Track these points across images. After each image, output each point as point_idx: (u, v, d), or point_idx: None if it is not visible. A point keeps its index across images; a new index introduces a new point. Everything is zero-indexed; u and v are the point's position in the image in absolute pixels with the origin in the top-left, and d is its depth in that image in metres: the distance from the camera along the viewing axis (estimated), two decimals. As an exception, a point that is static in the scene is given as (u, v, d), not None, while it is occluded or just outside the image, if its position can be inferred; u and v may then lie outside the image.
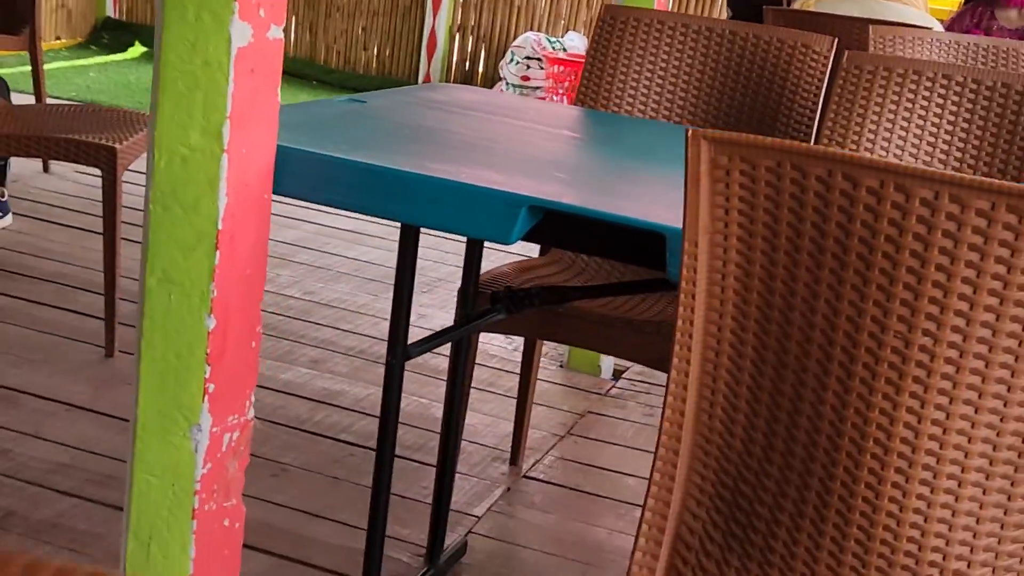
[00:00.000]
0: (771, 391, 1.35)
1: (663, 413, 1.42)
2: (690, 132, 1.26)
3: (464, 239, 2.29)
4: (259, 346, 1.71)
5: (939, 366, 1.23)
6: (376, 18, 7.70)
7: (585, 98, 2.61)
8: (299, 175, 1.65)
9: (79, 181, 4.67)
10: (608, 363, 3.48)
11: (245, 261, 1.61)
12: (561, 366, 3.49)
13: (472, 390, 3.21)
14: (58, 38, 7.69)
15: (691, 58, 2.62)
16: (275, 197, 1.66)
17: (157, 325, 1.60)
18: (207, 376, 1.60)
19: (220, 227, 1.56)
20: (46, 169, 4.81)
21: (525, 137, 2.05)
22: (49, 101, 4.41)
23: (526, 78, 7.07)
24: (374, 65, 7.73)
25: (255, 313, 1.67)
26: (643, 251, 1.57)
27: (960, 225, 1.18)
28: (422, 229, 1.83)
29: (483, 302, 2.15)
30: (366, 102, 2.09)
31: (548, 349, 3.55)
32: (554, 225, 1.59)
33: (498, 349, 3.52)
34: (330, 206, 1.67)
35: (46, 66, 6.07)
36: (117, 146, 2.96)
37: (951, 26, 4.49)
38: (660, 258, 1.52)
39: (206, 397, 1.60)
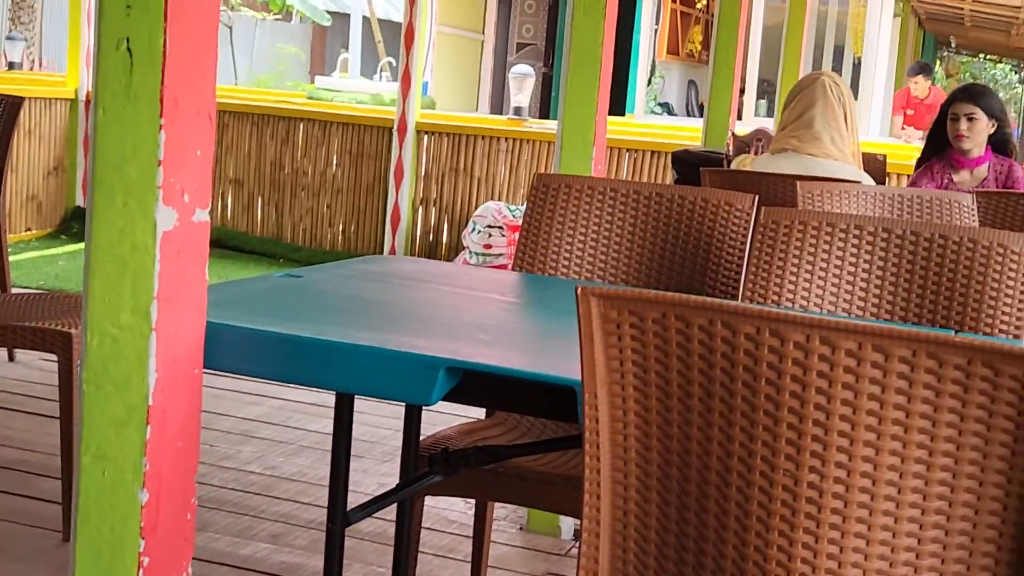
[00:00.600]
0: (677, 534, 1.40)
1: (578, 563, 1.47)
2: (579, 290, 1.35)
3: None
4: (195, 518, 1.75)
5: (828, 501, 1.29)
6: (340, 195, 7.89)
7: (522, 263, 2.71)
8: (229, 349, 1.72)
9: (43, 368, 4.73)
10: (568, 524, 3.50)
11: (177, 434, 1.67)
12: (521, 528, 3.51)
13: (431, 556, 3.24)
14: (28, 229, 7.83)
15: (621, 221, 2.73)
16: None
17: (92, 501, 1.64)
18: (141, 549, 1.63)
19: (151, 403, 1.62)
20: (11, 358, 4.87)
21: (455, 303, 2.13)
22: (14, 291, 4.50)
23: (488, 246, 7.23)
24: (340, 241, 7.89)
25: (189, 485, 1.72)
26: (561, 406, 1.63)
27: (832, 365, 1.25)
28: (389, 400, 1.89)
29: (423, 465, 2.20)
30: (303, 276, 2.18)
31: (508, 512, 3.58)
32: (474, 384, 1.65)
33: (458, 515, 3.54)
34: (260, 377, 1.74)
35: (15, 257, 6.17)
36: (72, 331, 3.03)
37: (912, 186, 4.63)
38: (576, 412, 1.59)
39: (141, 571, 1.64)
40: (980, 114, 4.35)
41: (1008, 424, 1.22)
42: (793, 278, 2.39)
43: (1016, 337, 2.27)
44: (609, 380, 1.38)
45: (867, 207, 3.22)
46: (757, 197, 2.67)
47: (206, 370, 1.73)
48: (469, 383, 1.64)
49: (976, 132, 4.37)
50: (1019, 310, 2.28)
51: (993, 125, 4.40)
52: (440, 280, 2.36)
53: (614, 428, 1.41)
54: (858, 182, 3.77)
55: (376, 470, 3.81)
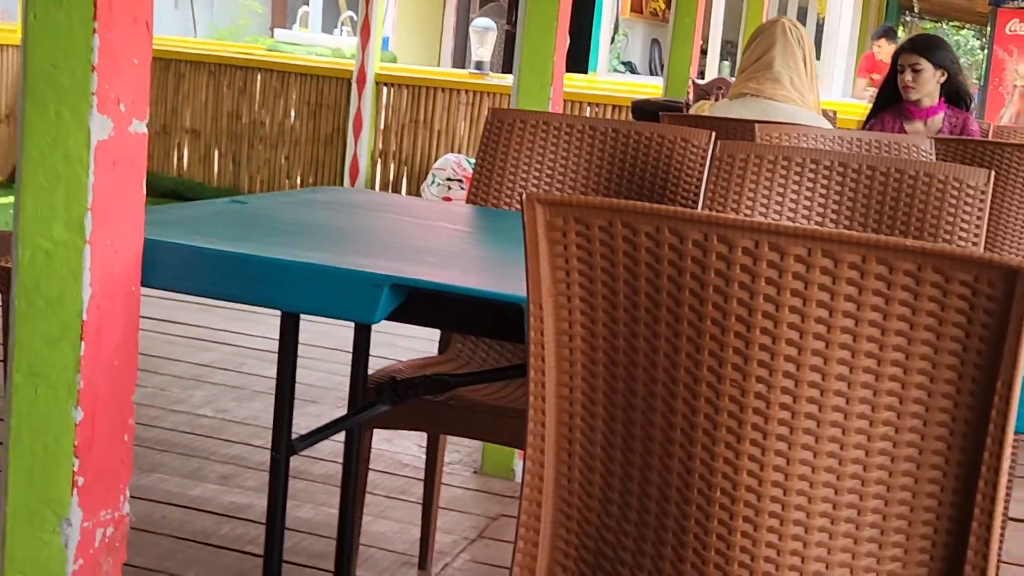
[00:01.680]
0: (623, 448, 1.37)
1: (523, 479, 1.44)
2: (524, 196, 1.31)
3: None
4: (132, 439, 1.71)
5: (775, 412, 1.26)
6: (299, 147, 7.81)
7: (475, 197, 2.67)
8: (169, 267, 1.68)
9: (-7, 312, 4.65)
10: (522, 466, 3.47)
11: (113, 353, 1.62)
12: (474, 472, 3.48)
13: (383, 498, 3.21)
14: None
15: (577, 155, 2.69)
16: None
17: (24, 419, 1.60)
18: (76, 469, 1.59)
19: (85, 318, 1.57)
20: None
21: (403, 229, 2.09)
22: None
23: (447, 199, 7.17)
24: (307, 187, 7.82)
25: (127, 405, 1.67)
26: (509, 326, 1.60)
27: (781, 272, 1.22)
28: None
29: (372, 397, 2.16)
30: (248, 203, 2.13)
31: (462, 456, 3.55)
32: (420, 304, 1.62)
33: (411, 459, 3.52)
34: (200, 295, 1.70)
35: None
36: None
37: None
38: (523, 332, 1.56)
39: (75, 491, 1.60)
40: (925, 64, 4.37)
41: (958, 331, 1.20)
42: (749, 212, 2.36)
43: (970, 271, 2.25)
44: (555, 291, 1.35)
45: (828, 148, 3.20)
46: (714, 133, 2.63)
47: (152, 296, 1.69)
48: (415, 302, 1.60)
49: (922, 82, 4.39)
50: (974, 244, 2.26)
51: (942, 75, 4.41)
52: (389, 209, 2.32)
53: (559, 341, 1.37)
54: (817, 126, 3.75)
55: (329, 415, 3.76)
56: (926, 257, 1.18)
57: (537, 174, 2.70)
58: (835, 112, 5.18)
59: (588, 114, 7.28)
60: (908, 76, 4.40)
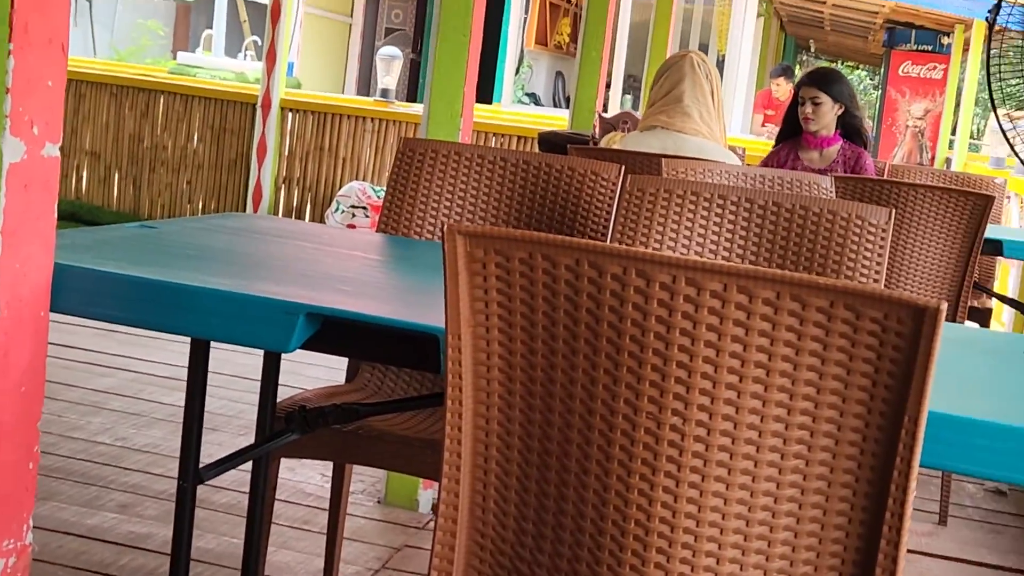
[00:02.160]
0: (539, 480, 1.38)
1: (437, 510, 1.44)
2: (445, 227, 1.32)
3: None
4: (37, 467, 1.67)
5: (689, 444, 1.28)
6: (201, 171, 7.72)
7: (386, 226, 2.67)
8: (79, 292, 1.65)
9: None
10: (426, 498, 3.47)
11: (20, 378, 1.59)
12: (378, 502, 3.47)
13: (286, 528, 3.18)
14: None
15: (487, 186, 2.71)
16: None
17: (-75, 446, 1.56)
18: (-22, 498, 1.55)
19: (-8, 343, 1.54)
20: None
21: (315, 257, 2.09)
22: None
23: (352, 226, 7.14)
24: (212, 213, 7.72)
25: (32, 432, 1.64)
26: (426, 357, 1.60)
27: (697, 306, 1.25)
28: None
29: (280, 426, 2.14)
30: (158, 227, 2.10)
31: (366, 486, 3.53)
32: (335, 333, 1.61)
33: (314, 488, 3.49)
34: (110, 321, 1.67)
35: None
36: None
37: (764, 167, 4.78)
38: (439, 362, 1.56)
39: (-23, 520, 1.56)
40: (824, 98, 4.55)
41: (867, 367, 1.23)
42: (658, 246, 2.40)
43: (871, 307, 2.30)
44: (473, 322, 1.36)
45: (731, 184, 3.26)
46: (623, 167, 2.67)
47: (59, 322, 1.66)
48: (329, 331, 1.60)
49: (821, 114, 4.55)
50: (875, 281, 2.32)
51: (840, 108, 4.57)
52: (299, 237, 2.31)
53: (477, 372, 1.38)
54: (724, 162, 3.82)
55: (232, 443, 3.72)
56: (838, 294, 1.22)
57: (448, 204, 2.70)
58: (744, 149, 5.28)
59: (494, 145, 7.31)
60: (808, 108, 4.56)
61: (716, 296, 1.24)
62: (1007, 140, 3.11)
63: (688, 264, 1.24)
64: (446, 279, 1.34)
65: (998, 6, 2.96)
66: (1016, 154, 3.04)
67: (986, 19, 3.50)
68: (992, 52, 2.99)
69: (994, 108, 3.00)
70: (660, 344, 1.27)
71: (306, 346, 1.61)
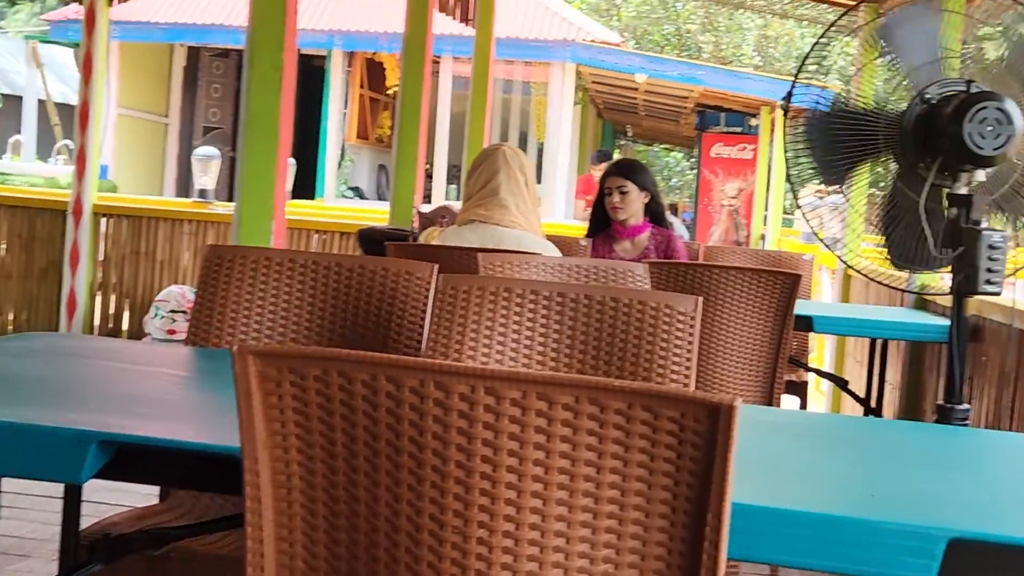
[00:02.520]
0: (347, 603, 1.33)
1: (244, 641, 1.37)
2: (235, 348, 1.27)
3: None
4: None
5: (497, 556, 1.25)
6: (11, 281, 7.44)
7: (196, 337, 2.59)
8: None
9: None
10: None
11: None
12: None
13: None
14: None
15: (300, 292, 2.66)
16: None
17: None
18: None
19: None
20: None
21: (115, 377, 2.00)
22: None
23: (172, 331, 6.97)
24: (11, 330, 7.42)
25: None
26: (227, 478, 1.54)
27: (498, 415, 1.23)
28: None
29: (85, 555, 2.04)
30: (-56, 355, 1.99)
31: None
32: (133, 460, 1.54)
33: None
34: None
35: None
36: None
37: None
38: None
39: None
40: (631, 186, 4.68)
41: (669, 466, 1.23)
42: (473, 343, 2.38)
43: (685, 394, 2.33)
44: (271, 443, 1.31)
45: (548, 277, 3.28)
46: (437, 266, 2.66)
47: None
48: (127, 458, 1.53)
49: (628, 203, 4.67)
50: (687, 370, 2.35)
51: (646, 196, 4.70)
52: (100, 356, 2.22)
53: (277, 494, 1.33)
54: (539, 253, 3.86)
55: (43, 570, 3.53)
56: (636, 396, 1.21)
57: (260, 310, 2.65)
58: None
59: (315, 242, 7.26)
60: (616, 197, 4.67)
61: (516, 404, 1.23)
62: (805, 219, 3.22)
63: (486, 374, 1.22)
64: (239, 401, 1.30)
65: (790, 93, 3.08)
66: (814, 232, 3.15)
67: (781, 105, 3.63)
68: (788, 136, 3.10)
69: (793, 189, 3.11)
70: (462, 456, 1.24)
71: (102, 474, 1.53)
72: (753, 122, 14.33)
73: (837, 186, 3.19)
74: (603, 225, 4.82)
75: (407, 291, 2.65)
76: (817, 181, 3.26)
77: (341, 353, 1.27)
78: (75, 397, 1.84)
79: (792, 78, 3.11)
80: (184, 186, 15.68)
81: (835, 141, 3.04)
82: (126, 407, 1.77)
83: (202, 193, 8.36)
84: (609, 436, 1.23)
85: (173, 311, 7.03)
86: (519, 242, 3.92)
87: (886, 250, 3.13)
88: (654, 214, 4.77)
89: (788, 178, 3.12)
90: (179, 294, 7.10)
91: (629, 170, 4.76)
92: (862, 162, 3.10)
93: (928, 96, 2.98)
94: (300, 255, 2.71)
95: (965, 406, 2.95)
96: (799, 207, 3.11)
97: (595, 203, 4.88)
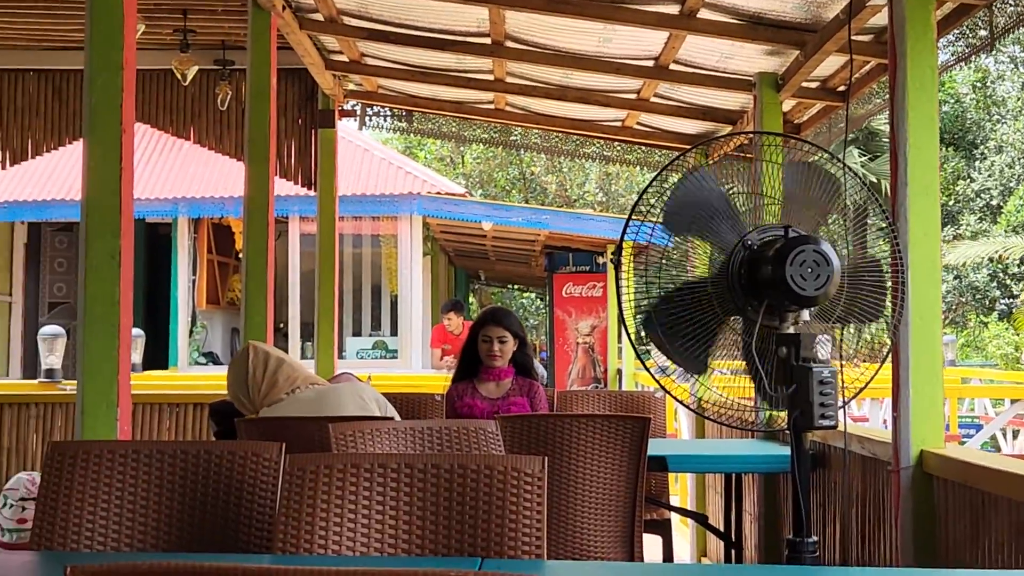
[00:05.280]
0: None
1: None
2: (68, 569, 1.27)
3: None
4: None
5: None
6: None
7: (40, 539, 2.53)
8: None
9: None
10: None
11: None
12: None
13: None
14: None
15: (146, 483, 2.63)
16: None
17: None
18: None
19: None
20: None
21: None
22: None
23: (23, 520, 6.71)
24: None
25: None
26: None
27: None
28: None
29: None
30: None
31: None
32: None
33: None
34: None
35: None
36: None
37: (446, 404, 4.89)
38: None
39: None
40: (509, 336, 4.77)
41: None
42: (323, 523, 2.38)
43: (538, 557, 2.36)
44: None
45: (399, 442, 3.29)
46: (284, 445, 2.66)
47: None
48: None
49: (506, 352, 4.78)
50: (537, 531, 2.38)
51: (517, 342, 4.79)
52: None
53: None
54: (390, 418, 3.88)
55: None
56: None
57: (105, 506, 2.60)
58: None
59: (168, 416, 7.12)
60: (496, 347, 4.75)
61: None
62: (642, 363, 3.31)
63: (314, 573, 1.24)
64: (74, 623, 1.28)
65: (619, 247, 3.19)
66: (653, 376, 3.23)
67: (611, 261, 3.75)
68: (620, 287, 3.19)
69: (628, 334, 3.20)
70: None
71: None
72: (600, 260, 14.66)
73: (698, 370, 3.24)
74: (470, 372, 4.87)
75: (255, 474, 2.64)
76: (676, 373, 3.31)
77: (175, 566, 1.27)
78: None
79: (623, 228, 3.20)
80: (31, 366, 15.25)
81: (679, 328, 3.13)
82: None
83: (49, 373, 8.17)
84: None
85: (23, 499, 6.79)
86: (360, 407, 3.97)
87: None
88: (521, 366, 4.86)
89: (624, 327, 3.21)
90: (28, 481, 6.86)
91: (508, 320, 4.88)
92: (695, 300, 3.19)
93: (749, 242, 3.11)
94: (144, 445, 2.69)
95: (813, 539, 3.03)
96: (635, 348, 3.20)
97: (464, 350, 4.92)
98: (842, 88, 5.42)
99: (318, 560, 2.31)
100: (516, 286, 28.72)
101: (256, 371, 3.98)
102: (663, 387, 3.20)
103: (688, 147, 3.78)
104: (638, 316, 3.21)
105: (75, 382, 8.23)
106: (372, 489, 2.42)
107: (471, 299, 27.26)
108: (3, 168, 7.58)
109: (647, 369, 3.21)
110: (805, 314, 3.06)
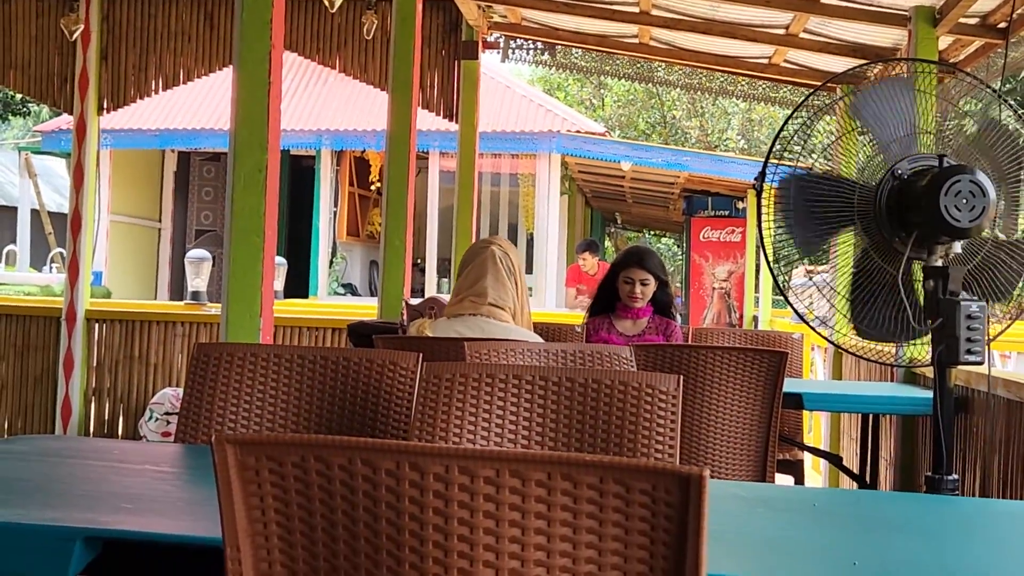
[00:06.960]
0: None
1: None
2: (214, 438, 1.30)
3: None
4: None
5: (478, 634, 1.27)
6: (5, 390, 7.45)
7: (184, 434, 2.61)
8: None
9: None
10: None
11: None
12: None
13: None
14: None
15: (287, 386, 2.69)
16: None
17: None
18: None
19: None
20: None
21: (101, 476, 2.02)
22: None
23: (167, 434, 6.96)
24: (5, 438, 7.41)
25: None
26: (210, 569, 1.55)
27: (473, 494, 1.25)
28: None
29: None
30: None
31: None
32: (117, 555, 1.55)
33: None
34: None
35: None
36: None
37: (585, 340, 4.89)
38: (227, 574, 1.52)
39: None
40: (651, 279, 4.71)
41: (643, 538, 1.25)
42: (457, 428, 2.40)
43: (670, 472, 2.34)
44: (252, 531, 1.33)
45: (532, 362, 3.30)
46: (421, 355, 2.68)
47: None
48: (111, 554, 1.54)
49: (647, 294, 4.71)
50: (671, 444, 2.37)
51: (658, 284, 4.74)
52: (87, 455, 2.24)
53: (260, 582, 1.34)
54: (525, 340, 3.88)
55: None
56: (607, 470, 1.24)
57: (247, 405, 2.67)
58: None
59: (307, 339, 7.27)
60: (638, 289, 4.70)
61: (490, 482, 1.25)
62: (788, 301, 3.24)
63: (460, 453, 1.25)
64: (220, 490, 1.32)
65: (763, 172, 3.13)
66: (791, 306, 3.18)
67: (753, 186, 3.69)
68: (762, 215, 3.14)
69: (770, 266, 3.14)
70: (439, 535, 1.26)
71: (89, 570, 1.54)
72: (740, 205, 14.45)
73: (816, 259, 3.21)
74: (606, 307, 4.85)
75: (392, 381, 2.67)
76: (796, 256, 3.27)
77: (317, 439, 1.29)
78: (62, 495, 1.85)
79: (764, 160, 3.15)
80: (178, 289, 15.75)
81: (810, 212, 3.08)
82: (112, 503, 1.79)
83: (195, 295, 8.40)
84: (583, 510, 1.25)
85: (168, 413, 7.03)
86: (505, 334, 3.95)
87: (851, 326, 3.17)
88: (660, 305, 4.81)
89: (767, 257, 3.16)
90: (173, 396, 7.11)
91: (651, 263, 4.81)
92: (838, 232, 3.13)
93: (900, 172, 3.03)
94: (286, 350, 2.74)
95: (954, 476, 2.96)
96: (777, 283, 3.14)
97: (602, 286, 4.90)
98: (1003, 24, 5.21)
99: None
100: (652, 231, 28.51)
101: (468, 277, 3.94)
102: (797, 313, 3.14)
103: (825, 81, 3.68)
104: (781, 241, 3.16)
105: (219, 305, 8.46)
106: (507, 399, 2.44)
107: (607, 243, 27.17)
108: (157, 93, 7.77)
109: (781, 291, 3.15)
110: (956, 246, 2.97)
